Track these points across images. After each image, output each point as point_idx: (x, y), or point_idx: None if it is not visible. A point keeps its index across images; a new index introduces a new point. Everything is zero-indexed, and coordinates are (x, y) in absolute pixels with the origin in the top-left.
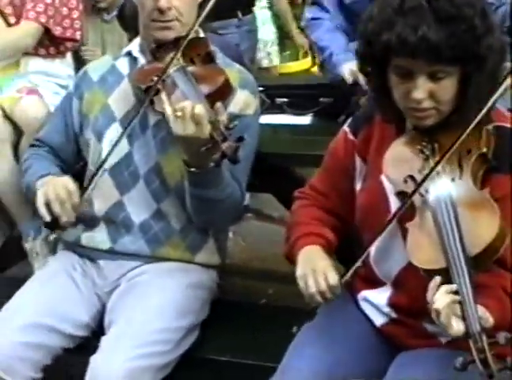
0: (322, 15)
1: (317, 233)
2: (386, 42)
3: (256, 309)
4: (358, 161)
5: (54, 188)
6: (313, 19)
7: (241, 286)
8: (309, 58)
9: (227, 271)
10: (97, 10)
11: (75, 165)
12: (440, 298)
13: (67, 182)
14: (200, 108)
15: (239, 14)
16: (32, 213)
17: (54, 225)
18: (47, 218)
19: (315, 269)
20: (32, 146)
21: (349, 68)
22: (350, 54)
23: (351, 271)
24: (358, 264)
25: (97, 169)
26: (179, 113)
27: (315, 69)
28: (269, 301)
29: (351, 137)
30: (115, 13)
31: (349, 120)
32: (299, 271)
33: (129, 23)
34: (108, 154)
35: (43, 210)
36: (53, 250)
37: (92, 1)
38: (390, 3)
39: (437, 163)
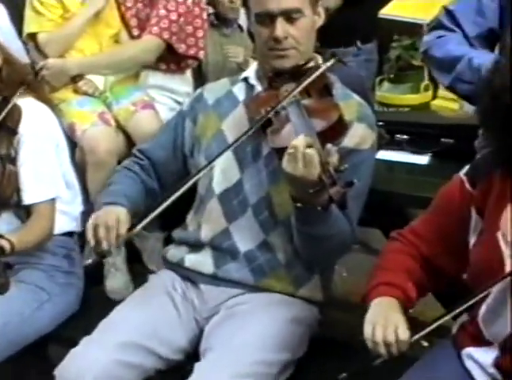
0: (449, 33)
1: (399, 285)
2: None
3: (353, 347)
4: (474, 214)
5: (105, 215)
6: (439, 37)
7: (339, 321)
8: (430, 92)
9: (326, 304)
10: (216, 25)
11: (171, 183)
12: None
13: (120, 213)
14: (312, 150)
15: (358, 43)
16: None
17: (96, 249)
18: (92, 242)
19: (386, 318)
20: (134, 155)
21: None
22: (493, 55)
23: (423, 333)
24: (431, 328)
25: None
26: (290, 151)
27: (435, 102)
28: None
29: (469, 187)
30: (235, 25)
31: (467, 168)
32: (369, 316)
33: None
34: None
35: (89, 234)
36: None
37: (211, 16)
38: None
39: None
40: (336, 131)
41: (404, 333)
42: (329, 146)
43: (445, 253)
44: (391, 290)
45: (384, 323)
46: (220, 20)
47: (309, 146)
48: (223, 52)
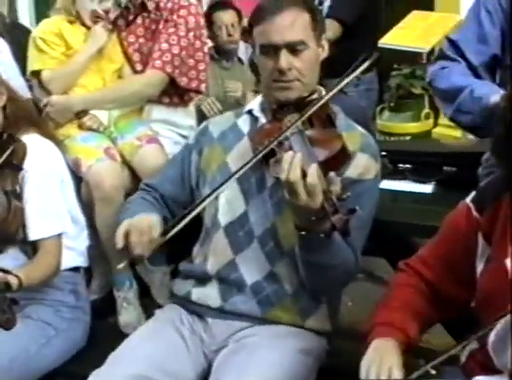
0: (453, 64)
1: (399, 326)
2: None
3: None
4: (481, 240)
5: (138, 221)
6: (443, 68)
7: (346, 351)
8: (431, 120)
9: (334, 334)
10: (216, 59)
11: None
12: None
13: (152, 218)
14: (314, 179)
15: None
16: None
17: (127, 255)
18: (120, 245)
19: (381, 360)
20: (142, 189)
21: (500, 95)
22: (496, 87)
23: (418, 374)
24: (428, 366)
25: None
26: (292, 180)
27: (436, 130)
28: None
29: (476, 214)
30: (235, 59)
31: (473, 195)
32: (365, 357)
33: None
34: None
35: (119, 238)
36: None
37: (211, 50)
38: None
39: None
40: (339, 160)
41: (398, 375)
42: (332, 174)
43: (452, 281)
44: (391, 331)
45: (379, 364)
46: (220, 54)
47: (309, 177)
48: (224, 86)
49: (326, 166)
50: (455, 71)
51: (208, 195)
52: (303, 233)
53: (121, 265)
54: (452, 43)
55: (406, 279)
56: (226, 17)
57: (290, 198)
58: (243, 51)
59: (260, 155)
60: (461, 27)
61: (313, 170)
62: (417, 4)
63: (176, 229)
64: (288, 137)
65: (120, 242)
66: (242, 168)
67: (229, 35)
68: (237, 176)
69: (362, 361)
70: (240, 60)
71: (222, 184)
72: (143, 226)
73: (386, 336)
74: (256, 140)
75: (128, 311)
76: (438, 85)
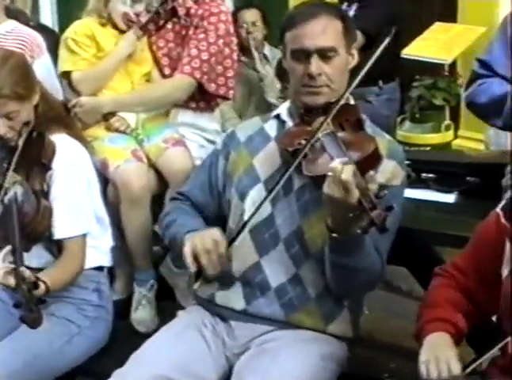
0: (489, 79)
1: (448, 319)
2: None
3: None
4: (508, 246)
5: (202, 240)
6: (480, 85)
7: (363, 358)
8: (451, 132)
9: (355, 340)
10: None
11: (215, 222)
12: None
13: (213, 232)
14: (349, 173)
15: (380, 82)
16: (153, 263)
17: (199, 276)
18: (192, 269)
19: (438, 356)
20: (174, 199)
21: None
22: None
23: (476, 363)
24: (485, 357)
25: (242, 228)
26: (330, 173)
27: (456, 142)
28: (392, 376)
29: (504, 221)
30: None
31: (503, 203)
32: (422, 357)
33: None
34: (252, 216)
35: (189, 261)
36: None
37: None
38: None
39: None
40: (372, 160)
41: (456, 368)
42: (371, 173)
43: (481, 287)
44: (441, 325)
45: (437, 361)
46: (244, 51)
47: (345, 171)
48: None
49: (361, 166)
50: (492, 83)
51: (266, 198)
52: (335, 235)
53: (196, 286)
54: (483, 63)
55: (444, 281)
56: (247, 15)
57: (328, 192)
58: (268, 49)
59: (301, 156)
60: (489, 47)
61: (348, 168)
62: (440, 16)
63: (240, 237)
64: (319, 138)
65: (192, 267)
66: (287, 170)
67: (248, 32)
68: (286, 176)
69: (419, 359)
70: (266, 57)
71: (277, 184)
72: (208, 243)
73: (437, 331)
74: (284, 142)
75: (145, 309)
76: (479, 101)
